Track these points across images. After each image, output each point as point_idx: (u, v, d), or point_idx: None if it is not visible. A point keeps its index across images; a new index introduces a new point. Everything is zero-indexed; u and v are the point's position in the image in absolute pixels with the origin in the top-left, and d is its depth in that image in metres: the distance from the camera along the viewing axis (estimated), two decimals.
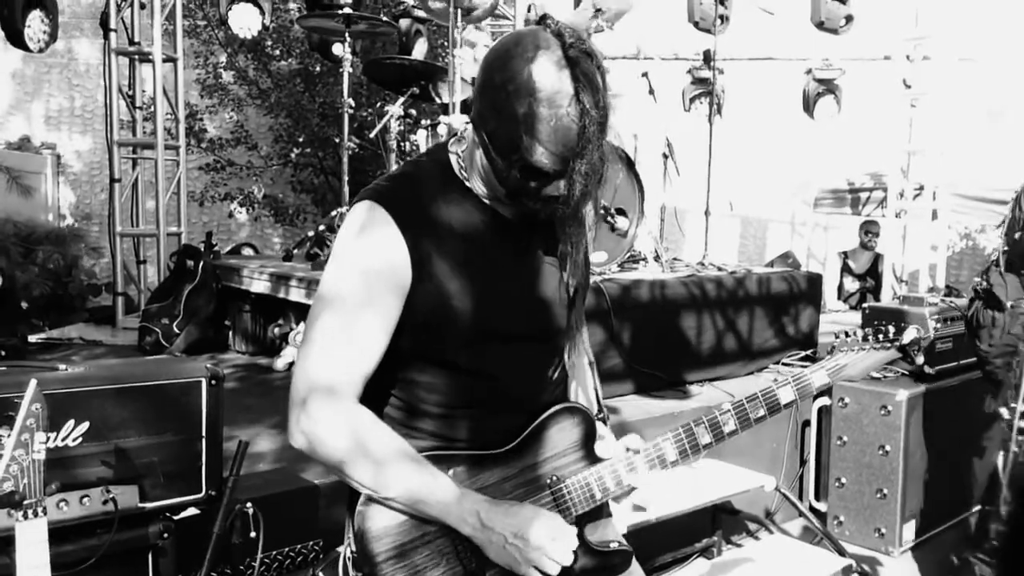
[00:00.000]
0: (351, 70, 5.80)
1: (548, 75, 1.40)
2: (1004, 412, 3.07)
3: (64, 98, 10.36)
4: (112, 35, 6.68)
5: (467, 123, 1.57)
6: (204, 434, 2.20)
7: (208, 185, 10.23)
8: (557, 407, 1.64)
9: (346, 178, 5.66)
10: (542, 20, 1.47)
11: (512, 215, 1.61)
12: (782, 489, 4.24)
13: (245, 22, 6.86)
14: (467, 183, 1.60)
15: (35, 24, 6.04)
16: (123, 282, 6.59)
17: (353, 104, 6.06)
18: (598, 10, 5.50)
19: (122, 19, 6.86)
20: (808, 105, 9.12)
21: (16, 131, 9.89)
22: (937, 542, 4.39)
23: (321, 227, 5.69)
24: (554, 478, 1.61)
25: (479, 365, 1.59)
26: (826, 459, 4.51)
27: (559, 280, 1.67)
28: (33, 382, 1.54)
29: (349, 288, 1.53)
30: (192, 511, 2.26)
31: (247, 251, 9.06)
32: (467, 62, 5.58)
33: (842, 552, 3.99)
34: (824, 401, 4.54)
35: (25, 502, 1.51)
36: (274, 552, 2.54)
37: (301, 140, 10.41)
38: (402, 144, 5.55)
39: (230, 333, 5.74)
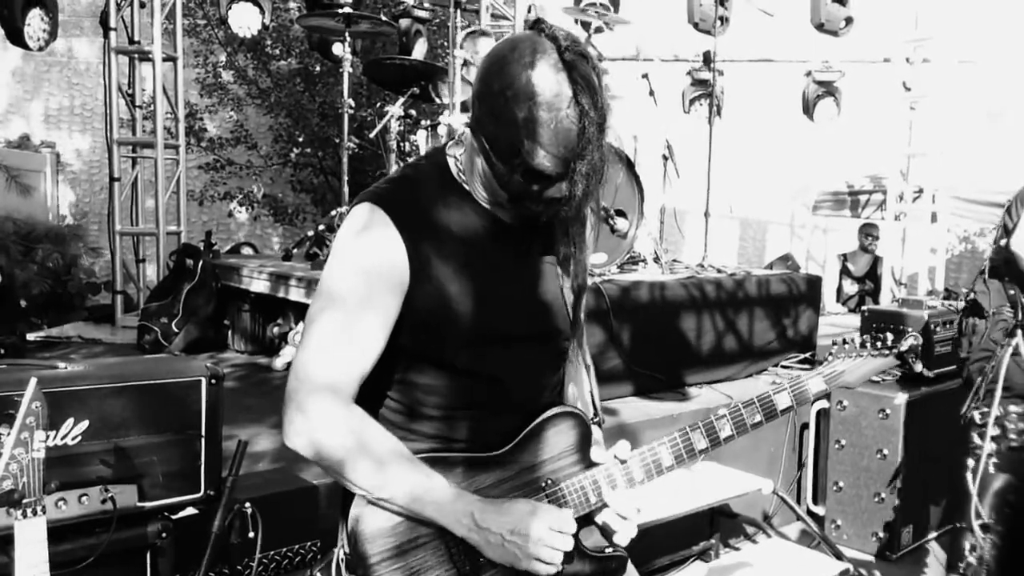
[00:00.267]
0: (351, 70, 5.80)
1: (546, 78, 1.41)
2: (976, 416, 3.04)
3: (64, 97, 10.36)
4: (112, 34, 6.67)
5: (466, 127, 1.57)
6: (203, 433, 2.21)
7: (208, 184, 10.23)
8: (553, 411, 1.64)
9: (346, 178, 5.66)
10: (536, 25, 1.48)
11: (511, 219, 1.61)
12: (780, 492, 4.24)
13: (245, 21, 6.86)
14: (465, 186, 1.61)
15: (35, 23, 6.03)
16: (122, 281, 6.59)
17: (353, 104, 6.06)
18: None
19: (122, 18, 6.86)
20: (808, 107, 9.12)
21: (16, 130, 9.89)
22: (935, 546, 4.39)
23: (321, 227, 5.69)
24: (549, 481, 1.61)
25: (479, 367, 1.59)
26: (824, 462, 4.51)
27: (559, 282, 1.68)
28: (33, 380, 1.54)
29: (348, 288, 1.53)
30: (191, 511, 2.27)
31: (246, 250, 9.06)
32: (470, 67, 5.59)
33: (839, 556, 3.99)
34: (822, 404, 4.54)
35: (24, 501, 1.51)
36: (272, 552, 2.55)
37: (301, 140, 10.42)
38: (402, 144, 5.55)
39: (229, 332, 5.74)
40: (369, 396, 1.59)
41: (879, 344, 1.77)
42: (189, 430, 2.19)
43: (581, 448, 1.64)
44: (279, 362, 4.93)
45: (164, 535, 2.14)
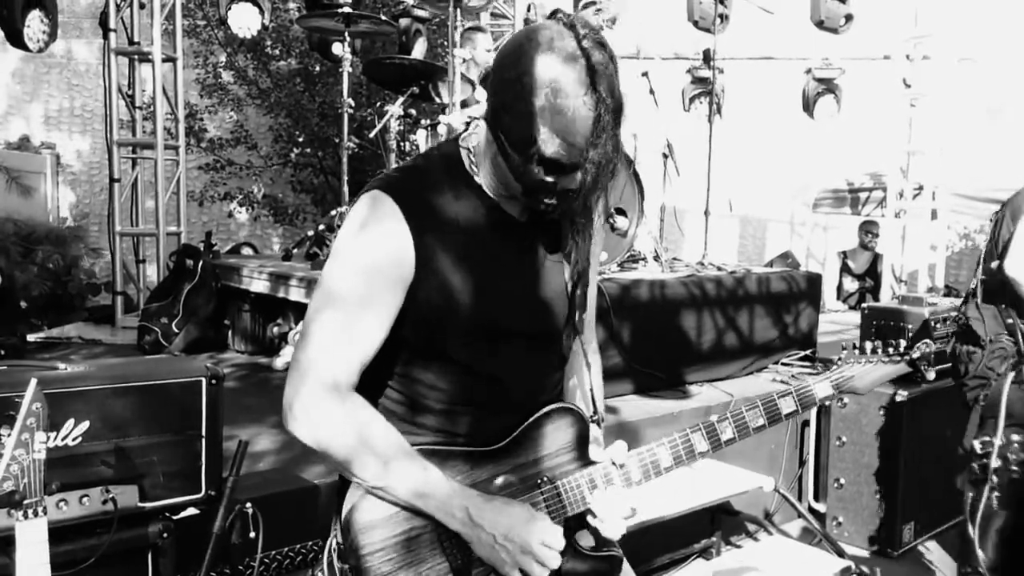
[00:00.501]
0: (351, 70, 5.80)
1: (563, 66, 1.39)
2: (977, 445, 2.96)
3: (64, 98, 10.36)
4: (112, 35, 6.68)
5: (476, 119, 1.57)
6: (204, 434, 2.21)
7: (208, 185, 10.24)
8: (551, 407, 1.63)
9: (346, 178, 5.66)
10: (554, 15, 1.47)
11: (519, 213, 1.61)
12: (781, 490, 4.24)
13: (245, 22, 6.86)
14: (476, 179, 1.60)
15: (34, 24, 6.03)
16: (122, 281, 6.59)
17: (353, 104, 6.06)
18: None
19: (121, 19, 6.86)
20: (808, 105, 9.11)
21: (16, 131, 9.89)
22: (936, 544, 4.39)
23: (321, 227, 5.68)
24: (545, 478, 1.60)
25: (480, 362, 1.59)
26: (825, 460, 4.50)
27: (564, 280, 1.67)
28: (33, 381, 1.54)
29: (349, 287, 1.53)
30: (192, 511, 2.27)
31: (246, 251, 9.07)
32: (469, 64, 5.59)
33: (841, 553, 3.99)
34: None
35: (25, 502, 1.51)
36: (273, 552, 2.55)
37: (301, 140, 10.42)
38: (402, 144, 5.55)
39: (229, 333, 5.74)
40: (370, 385, 1.59)
41: (890, 350, 1.73)
42: (190, 430, 2.19)
43: (579, 446, 1.64)
44: (279, 362, 4.92)
45: (165, 535, 2.14)
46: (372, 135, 5.78)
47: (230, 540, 2.29)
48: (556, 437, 1.63)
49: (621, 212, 4.81)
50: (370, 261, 1.52)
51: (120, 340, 5.91)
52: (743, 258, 12.56)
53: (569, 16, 1.45)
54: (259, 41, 9.49)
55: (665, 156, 6.05)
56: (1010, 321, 3.11)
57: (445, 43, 8.38)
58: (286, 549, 2.59)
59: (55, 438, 1.96)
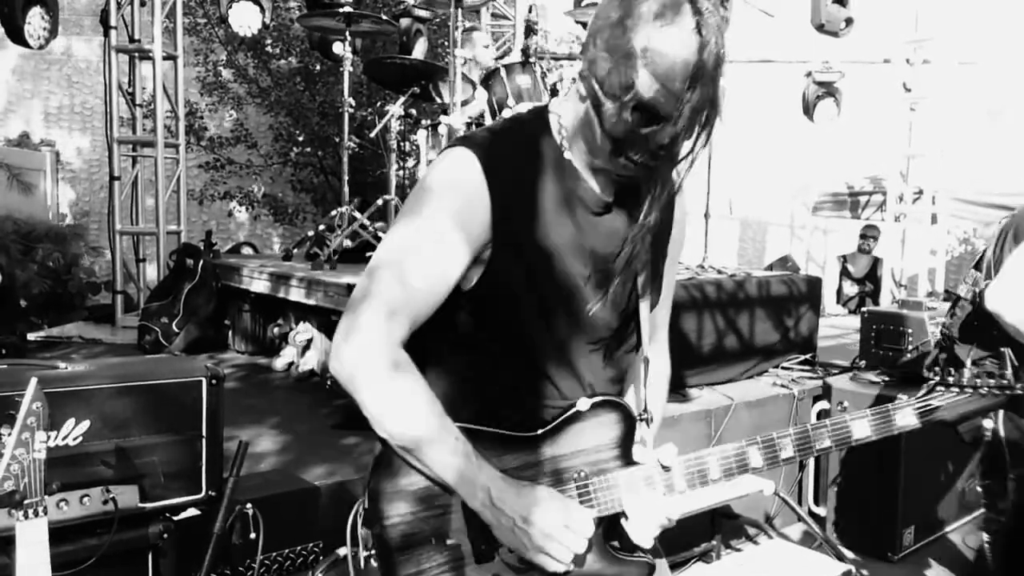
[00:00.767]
0: (351, 69, 5.80)
1: (669, 6, 1.36)
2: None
3: (64, 95, 10.36)
4: (112, 32, 6.68)
5: (576, 79, 1.52)
6: (204, 434, 2.20)
7: (208, 183, 10.23)
8: (598, 399, 1.55)
9: (346, 177, 5.65)
10: None
11: (602, 188, 1.55)
12: (781, 494, 4.23)
13: (245, 20, 6.85)
14: (564, 152, 1.54)
15: (35, 21, 6.02)
16: (122, 280, 6.58)
17: (353, 103, 6.06)
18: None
19: (122, 16, 6.86)
20: (808, 108, 9.11)
21: (15, 128, 9.89)
22: (936, 547, 4.39)
23: (321, 227, 5.68)
24: (583, 472, 1.53)
25: (540, 340, 1.53)
26: (825, 463, 4.50)
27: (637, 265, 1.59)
28: (34, 380, 1.53)
29: (428, 224, 1.47)
30: (192, 511, 2.26)
31: (247, 250, 9.07)
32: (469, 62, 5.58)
33: (841, 557, 3.98)
34: (823, 405, 4.54)
35: (26, 502, 1.50)
36: (274, 553, 2.54)
37: (301, 139, 10.42)
38: (402, 144, 5.55)
39: (229, 332, 5.74)
40: (421, 352, 1.51)
41: (992, 380, 1.52)
42: (190, 430, 2.18)
43: (623, 444, 1.56)
44: (279, 362, 4.91)
45: (165, 536, 2.14)
46: (373, 135, 5.78)
47: (230, 541, 2.29)
48: (599, 432, 1.55)
49: None
50: (452, 208, 1.46)
51: (120, 339, 5.90)
52: (743, 261, 12.58)
53: None
54: (260, 40, 9.48)
55: None
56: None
57: (446, 43, 8.38)
58: (287, 551, 2.58)
59: (55, 438, 1.95)
